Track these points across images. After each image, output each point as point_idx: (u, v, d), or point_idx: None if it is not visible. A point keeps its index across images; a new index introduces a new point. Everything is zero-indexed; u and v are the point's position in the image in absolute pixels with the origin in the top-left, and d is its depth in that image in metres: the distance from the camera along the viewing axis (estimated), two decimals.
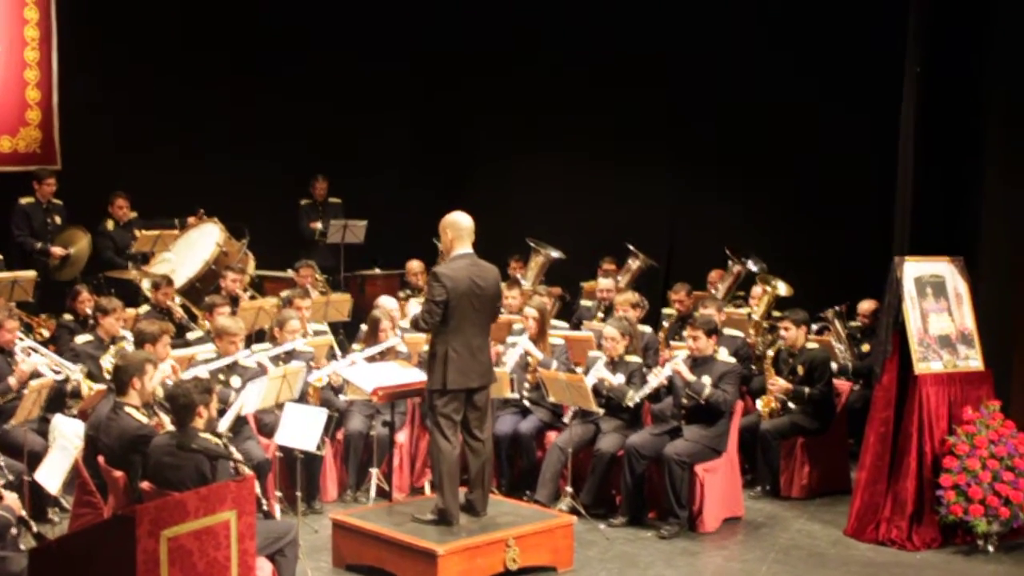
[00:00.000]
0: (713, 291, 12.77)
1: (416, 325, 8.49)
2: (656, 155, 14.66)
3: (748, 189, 13.68)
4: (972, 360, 9.56)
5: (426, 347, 9.77)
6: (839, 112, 12.69)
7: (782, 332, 10.70)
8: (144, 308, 11.52)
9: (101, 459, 7.77)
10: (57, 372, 9.44)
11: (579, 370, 10.17)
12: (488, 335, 8.68)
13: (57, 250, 12.73)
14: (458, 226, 8.49)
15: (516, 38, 15.37)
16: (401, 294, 12.94)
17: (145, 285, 12.02)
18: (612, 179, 14.78)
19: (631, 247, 13.37)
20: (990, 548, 8.96)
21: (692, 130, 14.40)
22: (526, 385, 10.41)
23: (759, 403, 10.60)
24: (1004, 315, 10.00)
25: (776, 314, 11.56)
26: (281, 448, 9.11)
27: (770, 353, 10.78)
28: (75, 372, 9.53)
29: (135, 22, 13.72)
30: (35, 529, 7.05)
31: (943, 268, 9.68)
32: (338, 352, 10.97)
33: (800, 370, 10.47)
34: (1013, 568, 8.72)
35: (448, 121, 16.11)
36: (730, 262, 12.69)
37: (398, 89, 15.85)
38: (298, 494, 9.32)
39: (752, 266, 12.52)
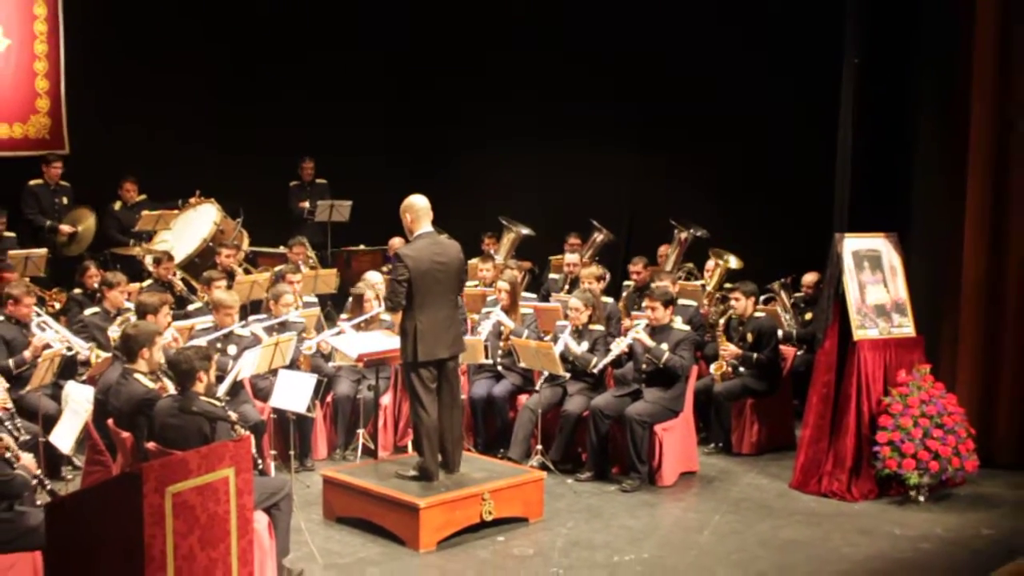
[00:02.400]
0: (663, 261, 12.80)
1: (387, 307, 8.48)
2: (617, 139, 14.66)
3: (702, 170, 13.70)
4: (905, 327, 9.62)
5: None
6: (786, 100, 12.69)
7: (733, 302, 10.74)
8: (147, 282, 11.51)
9: (110, 421, 7.79)
10: (68, 349, 9.42)
11: (547, 338, 10.21)
12: (455, 307, 8.65)
13: (65, 227, 12.76)
14: (415, 208, 8.44)
15: (487, 33, 15.34)
16: (384, 268, 12.92)
17: (148, 261, 12.00)
18: (577, 161, 14.76)
19: (594, 223, 13.40)
20: (921, 498, 9.03)
21: (650, 115, 14.40)
22: (499, 352, 10.44)
23: (712, 367, 10.64)
24: (934, 286, 10.07)
25: (727, 286, 11.60)
26: (275, 410, 9.15)
27: (722, 321, 10.85)
28: (84, 348, 9.51)
29: (138, 18, 13.66)
30: (49, 486, 7.05)
31: (879, 243, 9.73)
32: (325, 322, 10.99)
33: (749, 337, 10.52)
34: (942, 516, 8.80)
35: (427, 109, 16.07)
36: (676, 230, 12.71)
37: (380, 79, 15.81)
38: (291, 453, 9.33)
39: (695, 232, 12.56)
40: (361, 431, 9.93)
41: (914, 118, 10.16)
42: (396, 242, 13.27)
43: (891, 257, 9.74)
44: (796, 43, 12.54)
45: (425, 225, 8.43)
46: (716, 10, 13.46)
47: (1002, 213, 9.97)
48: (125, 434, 7.63)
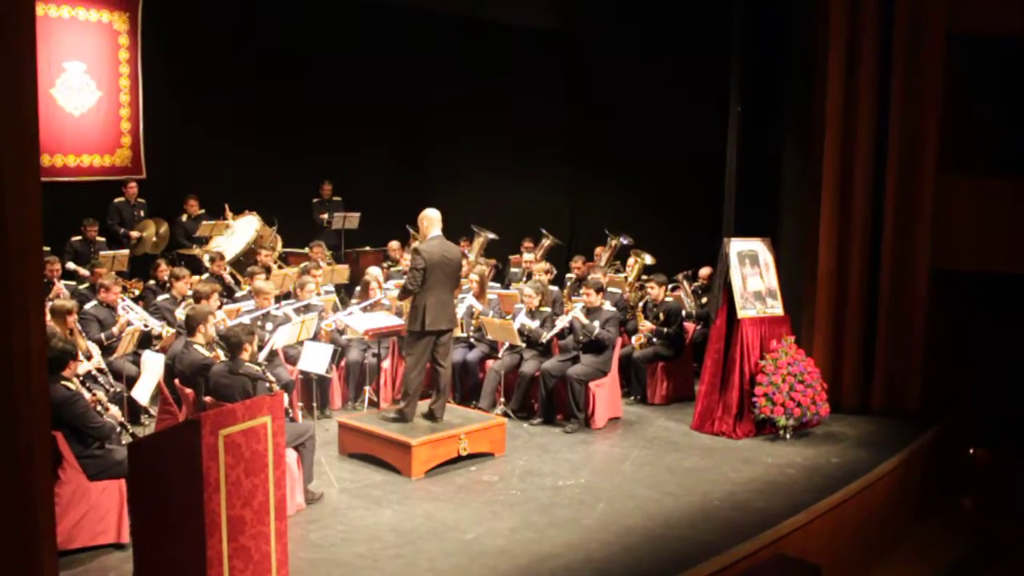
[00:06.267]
0: (597, 259, 12.83)
1: (405, 290, 8.46)
2: (560, 164, 14.68)
3: (626, 188, 13.69)
4: (776, 308, 9.70)
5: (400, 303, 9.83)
6: (690, 140, 12.65)
7: (648, 289, 10.76)
8: (205, 275, 11.45)
9: (177, 381, 7.77)
10: (145, 326, 9.38)
11: (508, 317, 10.24)
12: (453, 294, 8.72)
13: (133, 233, 12.79)
14: (430, 217, 8.56)
15: (465, 85, 15.32)
16: (384, 264, 12.91)
17: (205, 259, 11.92)
18: (530, 182, 14.75)
19: (543, 231, 13.42)
20: (787, 436, 9.14)
21: (585, 144, 14.41)
22: (472, 327, 10.44)
23: (633, 339, 10.68)
24: (796, 277, 10.16)
25: (644, 277, 11.64)
26: (302, 372, 9.13)
27: (640, 304, 10.88)
28: (158, 326, 9.48)
29: (197, 72, 13.57)
30: (131, 430, 7.03)
31: (757, 245, 9.80)
32: (339, 305, 10.97)
33: (661, 316, 10.55)
34: (803, 449, 8.91)
35: (418, 144, 16.01)
36: (609, 238, 12.74)
37: (382, 123, 15.76)
38: (314, 404, 9.37)
39: (623, 240, 12.59)
40: (367, 388, 9.91)
41: (781, 152, 10.29)
42: (394, 244, 13.28)
43: (765, 255, 9.82)
44: (693, 96, 12.59)
45: (436, 230, 8.51)
46: (651, 58, 13.44)
47: (847, 224, 10.09)
48: (188, 391, 7.62)
